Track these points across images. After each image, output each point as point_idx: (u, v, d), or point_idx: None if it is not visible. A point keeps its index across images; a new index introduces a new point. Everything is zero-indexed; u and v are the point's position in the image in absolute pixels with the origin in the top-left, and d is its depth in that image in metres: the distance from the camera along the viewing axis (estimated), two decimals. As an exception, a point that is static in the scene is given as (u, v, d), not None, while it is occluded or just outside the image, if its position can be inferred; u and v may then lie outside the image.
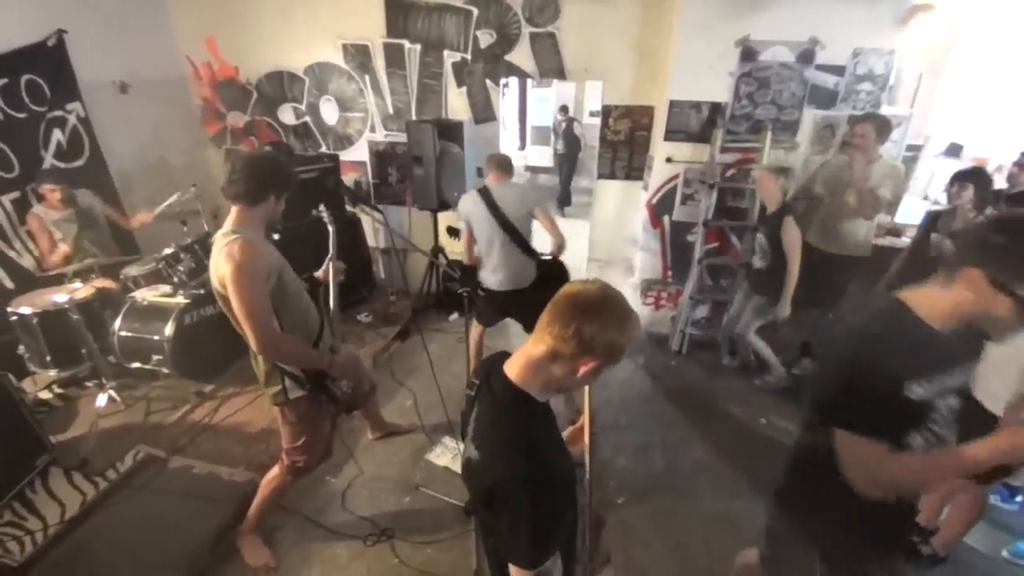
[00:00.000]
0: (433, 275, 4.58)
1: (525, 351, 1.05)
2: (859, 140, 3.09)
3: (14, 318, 2.99)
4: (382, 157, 4.64)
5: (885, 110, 3.41)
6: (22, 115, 3.36)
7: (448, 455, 2.95)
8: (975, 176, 2.72)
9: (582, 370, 0.99)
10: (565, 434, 1.43)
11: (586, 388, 1.43)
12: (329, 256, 2.26)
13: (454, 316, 4.54)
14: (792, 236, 3.00)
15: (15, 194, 3.36)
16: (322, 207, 2.22)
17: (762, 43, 3.29)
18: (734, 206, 3.72)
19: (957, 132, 3.93)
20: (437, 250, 4.31)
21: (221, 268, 1.69)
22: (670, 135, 3.68)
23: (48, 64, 3.49)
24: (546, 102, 8.05)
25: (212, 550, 2.29)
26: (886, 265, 3.23)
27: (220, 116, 4.82)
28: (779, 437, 3.11)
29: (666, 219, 3.99)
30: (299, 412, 2.02)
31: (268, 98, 4.65)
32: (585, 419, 1.44)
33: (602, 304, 0.98)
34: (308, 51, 4.42)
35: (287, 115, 4.70)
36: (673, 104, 3.59)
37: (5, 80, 3.25)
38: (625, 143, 4.07)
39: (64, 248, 3.23)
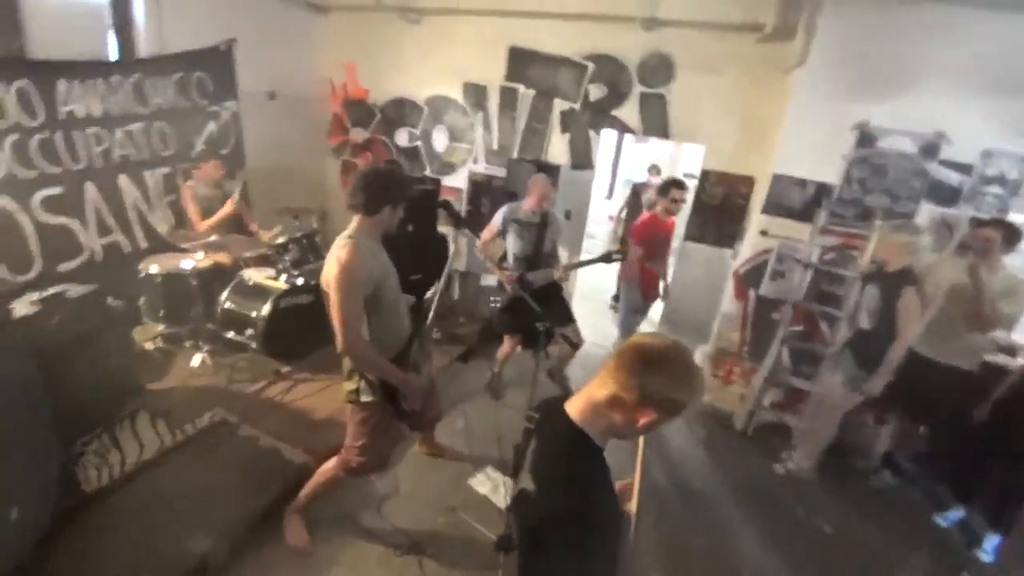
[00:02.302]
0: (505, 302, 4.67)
1: (588, 393, 1.07)
2: (983, 245, 2.87)
3: (143, 274, 3.40)
4: (479, 187, 4.91)
5: (1014, 217, 3.17)
6: (187, 104, 3.93)
7: (489, 485, 2.92)
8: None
9: (641, 421, 1.00)
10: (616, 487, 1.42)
11: (640, 444, 1.42)
12: (445, 273, 2.42)
13: (518, 349, 4.57)
14: (911, 305, 2.73)
15: (166, 169, 3.88)
16: (447, 227, 2.38)
17: (881, 129, 3.20)
18: (828, 291, 3.54)
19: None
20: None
21: (329, 267, 1.84)
22: (769, 208, 3.62)
23: (216, 65, 4.07)
24: (640, 156, 8.27)
25: (262, 522, 2.39)
26: (992, 384, 2.92)
27: (345, 130, 5.34)
28: (836, 544, 2.83)
29: (751, 293, 3.87)
30: (365, 415, 2.10)
31: (389, 120, 5.12)
32: (637, 475, 1.40)
33: (669, 359, 1.00)
34: (432, 84, 4.85)
35: (402, 138, 5.13)
36: (777, 178, 3.55)
37: (181, 73, 3.83)
38: (719, 208, 4.04)
39: (206, 224, 3.64)
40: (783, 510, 3.06)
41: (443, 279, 2.43)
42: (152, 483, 2.46)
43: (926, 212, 3.25)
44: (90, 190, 3.41)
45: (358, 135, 5.27)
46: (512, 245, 3.49)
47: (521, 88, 4.51)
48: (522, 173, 4.13)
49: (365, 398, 2.05)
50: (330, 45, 5.15)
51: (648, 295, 3.91)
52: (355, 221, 1.96)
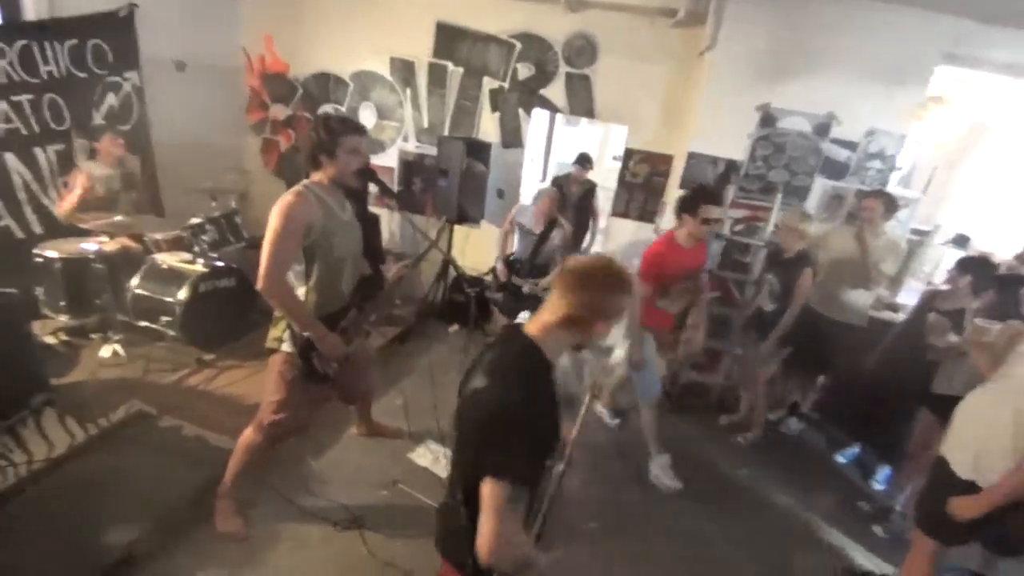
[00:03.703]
0: (441, 286, 4.69)
1: (542, 318, 1.21)
2: (866, 213, 3.26)
3: (39, 260, 3.11)
4: (410, 167, 4.85)
5: (893, 189, 3.59)
6: (83, 74, 3.57)
7: (430, 456, 2.98)
8: (978, 265, 2.84)
9: (597, 330, 1.19)
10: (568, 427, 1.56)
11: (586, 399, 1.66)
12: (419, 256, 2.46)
13: (454, 327, 4.63)
14: (806, 285, 3.08)
15: (60, 146, 3.52)
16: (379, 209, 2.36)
17: (782, 111, 3.50)
18: (739, 260, 3.85)
19: (966, 224, 4.11)
20: (449, 261, 4.44)
21: (273, 207, 1.85)
22: (686, 184, 3.86)
23: (115, 32, 3.72)
24: (572, 141, 8.45)
25: (190, 510, 2.31)
26: (879, 337, 3.35)
27: (264, 107, 5.06)
28: (757, 487, 3.16)
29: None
30: (283, 367, 2.08)
31: (312, 96, 4.90)
32: (581, 413, 1.62)
33: (607, 274, 1.19)
34: (357, 59, 4.69)
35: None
36: (692, 156, 3.79)
37: (75, 40, 3.47)
38: (642, 186, 4.26)
39: (115, 218, 3.17)
40: (705, 460, 3.36)
41: (412, 263, 2.45)
42: (67, 480, 2.31)
43: (819, 185, 3.61)
44: (-30, 170, 3.05)
45: (279, 111, 5.02)
46: (515, 245, 3.83)
47: (450, 65, 4.48)
48: (453, 151, 4.13)
49: (285, 347, 2.04)
50: (247, 15, 4.82)
51: (664, 343, 3.15)
52: (313, 177, 1.98)
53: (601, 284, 1.18)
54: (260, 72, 4.97)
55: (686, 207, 2.73)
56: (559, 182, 4.63)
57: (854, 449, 3.56)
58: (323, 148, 1.92)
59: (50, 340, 3.23)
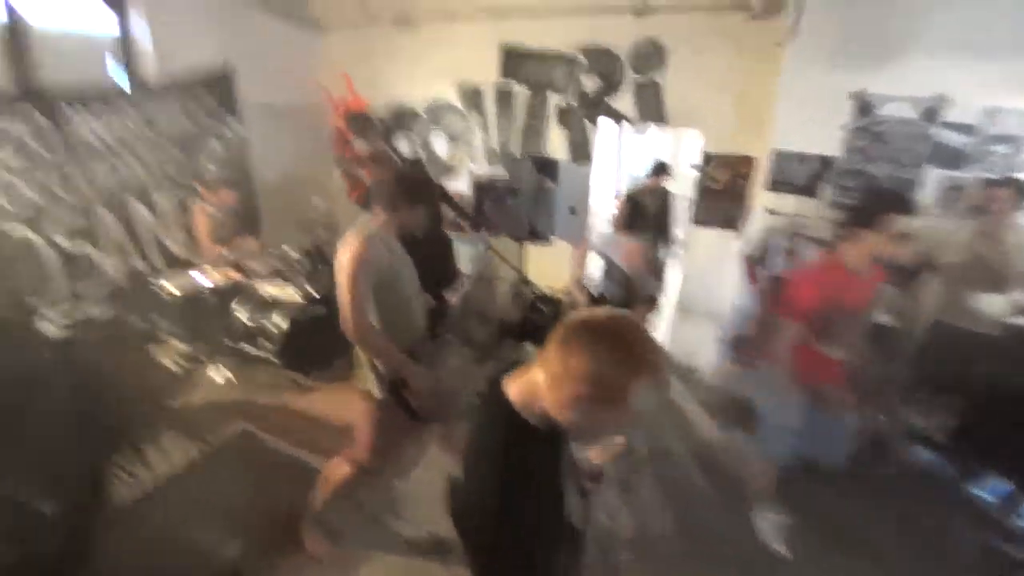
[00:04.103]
0: (517, 306, 4.69)
1: (528, 371, 0.96)
2: (996, 205, 2.84)
3: (161, 294, 3.50)
4: (481, 189, 4.93)
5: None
6: (193, 127, 4.05)
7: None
8: None
9: (563, 401, 0.87)
10: (598, 453, 1.36)
11: None
12: (474, 277, 2.41)
13: (532, 348, 4.59)
14: (930, 294, 2.76)
15: (176, 191, 3.99)
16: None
17: (880, 97, 3.18)
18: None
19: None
20: (523, 280, 4.45)
21: (339, 255, 1.89)
22: (772, 185, 3.60)
23: (219, 87, 4.19)
24: (642, 152, 8.24)
25: (283, 528, 2.41)
26: (1018, 346, 2.88)
27: (347, 143, 5.42)
28: (874, 528, 2.78)
29: (764, 273, 3.84)
30: (375, 412, 2.11)
31: (390, 130, 5.19)
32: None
33: (604, 333, 0.86)
34: (428, 90, 4.91)
35: (403, 145, 5.19)
36: (777, 155, 3.52)
37: (186, 98, 3.95)
38: (723, 192, 4.03)
39: (218, 248, 3.70)
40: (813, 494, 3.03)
41: (467, 284, 2.41)
42: (180, 496, 2.54)
43: (932, 177, 3.20)
44: (105, 215, 3.51)
45: (361, 146, 5.35)
46: (598, 274, 3.48)
47: (515, 86, 4.55)
48: (522, 170, 4.16)
49: (375, 393, 2.06)
50: (329, 59, 5.23)
51: (819, 402, 2.21)
52: (372, 215, 2.00)
53: (594, 346, 0.84)
54: (343, 111, 5.34)
55: (861, 219, 2.07)
56: (634, 196, 4.38)
57: (997, 482, 3.04)
58: (410, 197, 1.97)
59: (168, 364, 3.61)
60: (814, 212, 3.48)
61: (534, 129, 4.60)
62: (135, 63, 3.77)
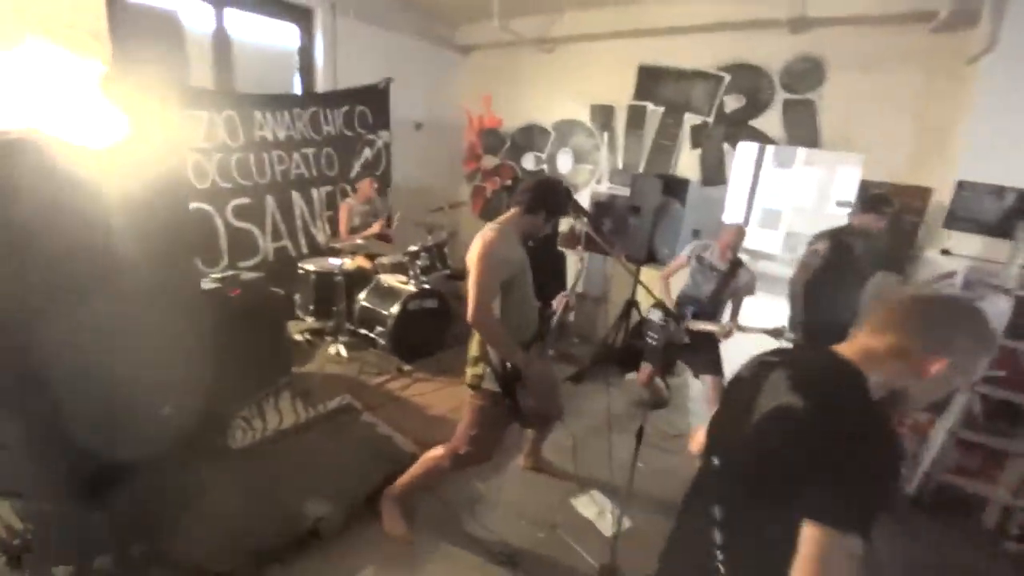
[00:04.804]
0: (622, 328, 4.48)
1: (860, 342, 0.99)
2: None
3: (301, 272, 3.94)
4: (601, 208, 4.86)
5: None
6: (350, 133, 4.57)
7: (595, 509, 2.72)
8: None
9: (932, 369, 0.92)
10: None
11: None
12: (572, 286, 2.57)
13: (631, 375, 4.32)
14: None
15: (329, 187, 4.51)
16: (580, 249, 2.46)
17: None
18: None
19: None
20: (632, 303, 4.23)
21: (474, 245, 1.99)
22: (952, 222, 3.00)
23: (376, 100, 4.70)
24: (782, 185, 7.52)
25: (371, 501, 2.48)
26: None
27: (477, 158, 5.74)
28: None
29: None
30: (483, 404, 2.14)
31: (518, 146, 5.38)
32: None
33: (967, 310, 0.96)
34: (561, 109, 5.02)
35: (529, 161, 5.34)
36: (963, 185, 2.94)
37: (347, 107, 4.49)
38: (885, 228, 3.44)
39: (357, 239, 4.03)
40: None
41: (571, 292, 2.41)
42: (284, 451, 2.74)
43: None
44: (270, 202, 4.10)
45: (488, 161, 5.62)
46: (688, 281, 3.39)
47: (649, 105, 4.44)
48: (647, 188, 3.99)
49: (487, 385, 2.10)
50: (471, 79, 5.64)
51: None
52: (508, 214, 2.11)
53: (956, 315, 0.95)
54: (478, 128, 5.67)
55: None
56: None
57: None
58: (546, 206, 2.08)
59: (297, 337, 4.02)
60: (1005, 256, 2.81)
61: (663, 148, 4.43)
62: (311, 74, 4.41)
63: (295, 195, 4.27)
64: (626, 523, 2.20)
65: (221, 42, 3.88)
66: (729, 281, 3.21)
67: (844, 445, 0.86)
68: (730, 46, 3.93)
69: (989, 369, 2.88)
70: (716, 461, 1.08)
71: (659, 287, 3.34)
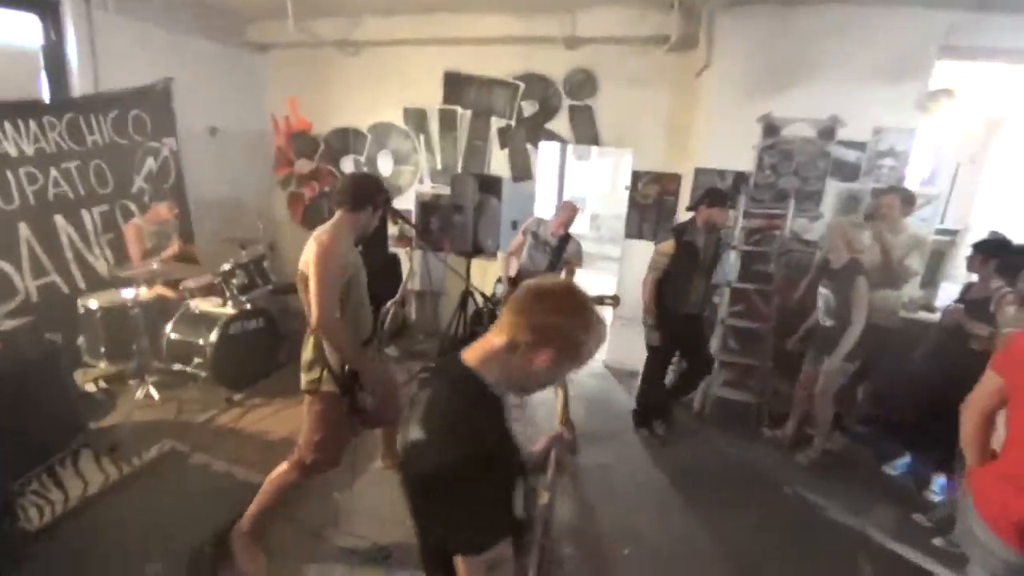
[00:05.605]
0: (462, 317, 4.74)
1: (485, 341, 1.04)
2: (884, 211, 3.22)
3: (82, 311, 3.31)
4: (426, 207, 5.03)
5: (915, 188, 3.54)
6: (124, 142, 3.92)
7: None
8: (994, 245, 2.74)
9: (538, 361, 0.98)
10: (541, 441, 1.42)
11: (560, 393, 1.41)
12: (402, 284, 2.53)
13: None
14: (864, 293, 2.94)
15: (104, 207, 3.82)
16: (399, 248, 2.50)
17: (784, 119, 3.54)
18: (759, 270, 3.79)
19: (999, 222, 3.95)
20: (468, 293, 4.51)
21: (309, 249, 1.97)
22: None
23: (154, 103, 4.11)
24: (584, 173, 8.75)
25: (215, 546, 2.30)
26: (914, 337, 3.20)
27: (290, 163, 5.40)
28: (809, 506, 2.96)
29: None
30: (324, 408, 2.12)
31: (334, 149, 5.22)
32: (558, 418, 1.45)
33: (563, 295, 1.01)
34: (374, 112, 5.01)
35: (348, 165, 5.23)
36: (699, 171, 3.82)
37: (116, 112, 3.84)
38: (652, 206, 4.30)
39: (150, 262, 3.49)
40: (748, 479, 3.19)
41: (398, 296, 2.51)
42: (100, 518, 2.36)
43: (832, 188, 3.57)
44: (23, 230, 3.33)
45: (304, 166, 5.34)
46: (525, 259, 3.78)
47: (459, 109, 4.73)
48: (466, 187, 4.28)
49: (326, 387, 2.08)
50: (273, 81, 5.26)
51: None
52: (335, 218, 2.09)
53: (554, 302, 1.00)
54: (286, 132, 5.34)
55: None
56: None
57: (905, 459, 3.32)
58: (371, 200, 2.12)
59: (90, 388, 3.39)
60: (733, 221, 3.76)
61: (477, 149, 4.77)
62: (63, 77, 3.67)
63: (59, 219, 3.53)
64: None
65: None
66: (560, 254, 3.74)
67: (456, 476, 0.91)
68: (522, 58, 4.42)
69: (731, 306, 3.84)
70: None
71: (502, 264, 3.85)
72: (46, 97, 3.61)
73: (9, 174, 3.24)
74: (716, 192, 3.24)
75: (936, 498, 3.03)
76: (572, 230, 3.90)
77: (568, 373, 1.07)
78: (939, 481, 3.08)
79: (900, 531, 2.80)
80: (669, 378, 3.68)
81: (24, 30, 3.54)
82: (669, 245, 3.24)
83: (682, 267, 3.25)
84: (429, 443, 0.96)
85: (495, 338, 1.02)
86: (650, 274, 3.33)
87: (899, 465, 3.33)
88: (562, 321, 0.98)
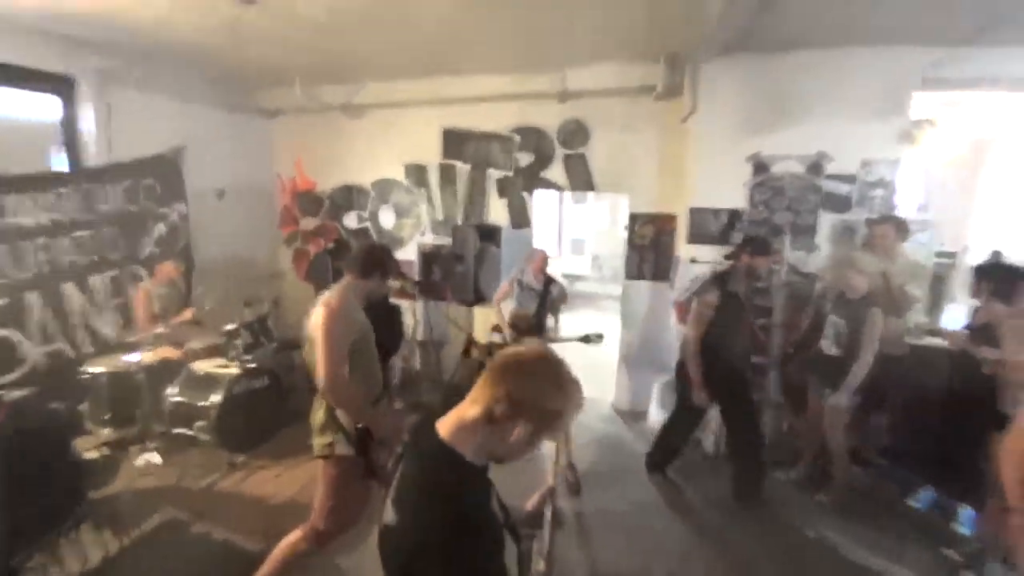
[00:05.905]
0: (465, 367, 4.71)
1: (459, 411, 1.01)
2: (879, 240, 3.24)
3: (86, 376, 3.32)
4: (428, 257, 5.10)
5: (910, 215, 3.58)
6: (135, 209, 4.05)
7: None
8: (995, 269, 2.73)
9: (514, 434, 0.96)
10: (533, 498, 1.40)
11: (557, 447, 1.39)
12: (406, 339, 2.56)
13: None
14: (878, 326, 2.86)
15: (114, 272, 3.90)
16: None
17: (773, 157, 3.63)
18: (758, 304, 3.76)
19: (997, 242, 3.97)
20: (471, 341, 4.50)
21: (317, 312, 1.98)
22: (693, 238, 3.93)
23: (165, 171, 4.26)
24: (581, 218, 8.94)
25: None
26: (925, 363, 3.15)
27: (295, 221, 5.55)
28: (833, 547, 2.81)
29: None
30: (338, 472, 2.08)
31: (338, 206, 5.38)
32: (549, 483, 1.41)
33: (536, 366, 0.99)
34: (376, 170, 5.20)
35: (351, 220, 5.37)
36: (694, 211, 3.89)
37: (129, 180, 3.98)
38: (650, 247, 4.35)
39: (156, 325, 3.61)
40: (767, 521, 3.05)
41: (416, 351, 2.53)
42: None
43: (826, 221, 3.61)
44: (33, 300, 3.39)
45: (308, 223, 5.48)
46: (514, 307, 3.86)
47: (458, 163, 4.89)
48: (466, 237, 4.36)
49: (340, 451, 2.04)
50: (279, 144, 5.50)
51: None
52: (343, 281, 2.14)
53: (529, 372, 0.98)
54: (292, 192, 5.52)
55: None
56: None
57: (928, 492, 3.17)
58: (381, 268, 2.17)
59: (93, 454, 3.34)
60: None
61: (476, 201, 4.90)
62: (79, 149, 3.86)
63: (68, 286, 3.61)
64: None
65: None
66: (546, 297, 3.81)
67: (433, 560, 0.88)
68: (517, 112, 4.61)
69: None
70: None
71: (495, 314, 3.84)
72: (63, 168, 3.77)
73: (24, 244, 3.34)
74: (760, 241, 3.13)
75: (964, 530, 2.88)
76: (571, 271, 3.96)
77: (542, 442, 1.02)
78: (966, 513, 2.93)
79: (931, 569, 2.65)
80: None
81: (41, 105, 3.75)
82: (714, 297, 3.03)
83: (727, 320, 3.04)
84: (405, 524, 0.93)
85: (470, 408, 0.99)
86: (693, 330, 3.07)
87: (923, 497, 3.18)
88: (537, 393, 0.97)
